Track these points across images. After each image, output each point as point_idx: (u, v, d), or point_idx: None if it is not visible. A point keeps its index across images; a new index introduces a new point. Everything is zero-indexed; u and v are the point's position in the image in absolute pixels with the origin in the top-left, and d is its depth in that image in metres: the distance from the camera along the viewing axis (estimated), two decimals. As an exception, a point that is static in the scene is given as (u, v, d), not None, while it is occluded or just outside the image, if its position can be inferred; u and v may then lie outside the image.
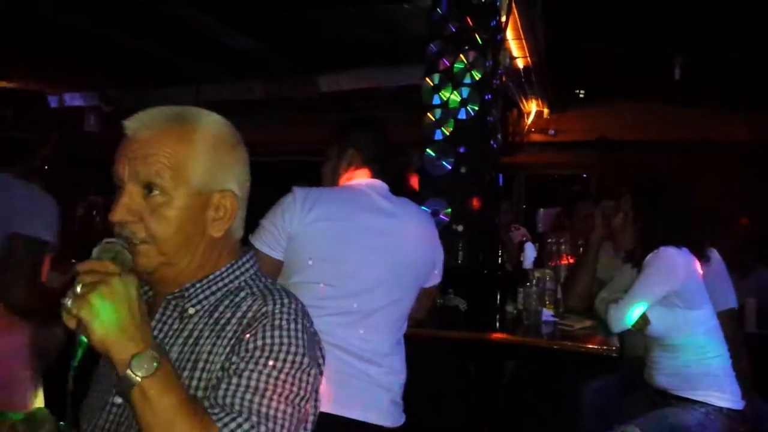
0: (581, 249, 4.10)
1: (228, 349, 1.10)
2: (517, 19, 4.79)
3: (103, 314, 0.96)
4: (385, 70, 6.27)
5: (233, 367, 1.07)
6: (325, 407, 1.74)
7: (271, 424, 1.03)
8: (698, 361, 2.62)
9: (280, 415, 1.04)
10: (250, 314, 1.13)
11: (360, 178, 2.11)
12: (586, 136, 7.69)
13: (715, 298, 2.80)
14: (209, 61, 6.57)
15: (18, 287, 2.10)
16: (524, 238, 4.22)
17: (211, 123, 1.19)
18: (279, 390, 1.05)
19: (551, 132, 7.94)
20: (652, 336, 2.72)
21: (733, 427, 2.58)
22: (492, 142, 3.94)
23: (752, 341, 3.64)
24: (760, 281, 5.18)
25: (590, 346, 2.89)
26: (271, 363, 1.07)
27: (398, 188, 2.20)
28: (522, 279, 3.27)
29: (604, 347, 2.83)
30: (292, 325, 1.12)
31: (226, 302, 1.17)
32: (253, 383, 1.05)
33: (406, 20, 5.03)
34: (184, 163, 1.13)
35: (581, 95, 7.47)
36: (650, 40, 5.46)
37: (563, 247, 3.86)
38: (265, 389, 1.05)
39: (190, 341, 1.14)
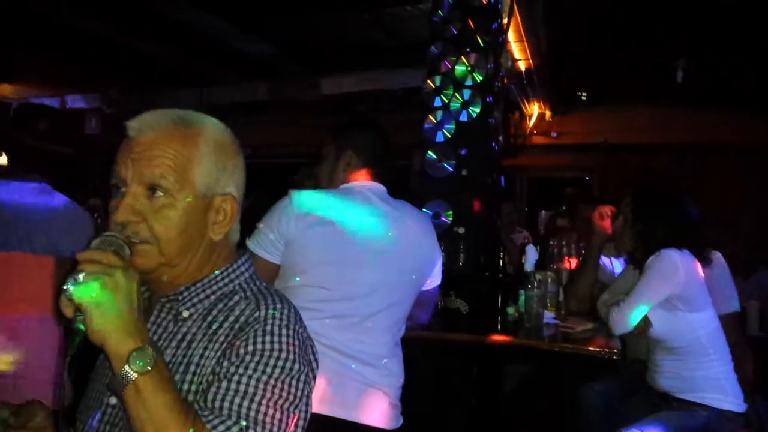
0: (582, 251, 4.10)
1: (219, 353, 1.10)
2: (519, 22, 4.79)
3: (104, 304, 0.96)
4: (387, 72, 6.28)
5: (224, 371, 1.07)
6: (323, 409, 1.74)
7: (259, 429, 1.03)
8: (700, 363, 2.61)
9: (268, 420, 1.04)
10: (242, 319, 1.13)
11: (357, 180, 2.10)
12: (588, 139, 7.69)
13: (717, 301, 2.79)
14: (213, 63, 6.58)
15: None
16: (526, 240, 4.22)
17: (215, 128, 1.20)
18: (268, 395, 1.05)
19: (553, 134, 7.93)
20: (654, 338, 2.72)
21: (736, 430, 2.57)
22: (493, 144, 3.93)
23: (755, 344, 3.63)
24: (763, 284, 5.17)
25: (592, 348, 2.88)
26: (261, 368, 1.07)
27: (398, 190, 2.18)
28: (523, 281, 3.26)
29: (606, 350, 2.82)
30: (284, 331, 1.12)
31: (220, 306, 1.17)
32: (242, 387, 1.05)
33: (408, 23, 5.04)
34: (188, 165, 1.14)
35: (583, 98, 7.46)
36: (653, 42, 5.46)
37: (565, 249, 3.86)
38: (255, 394, 1.05)
39: (183, 344, 1.15)
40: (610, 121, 7.56)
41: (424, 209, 3.56)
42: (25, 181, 2.46)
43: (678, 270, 2.59)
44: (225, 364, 1.08)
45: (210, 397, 1.05)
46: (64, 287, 0.97)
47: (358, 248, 1.93)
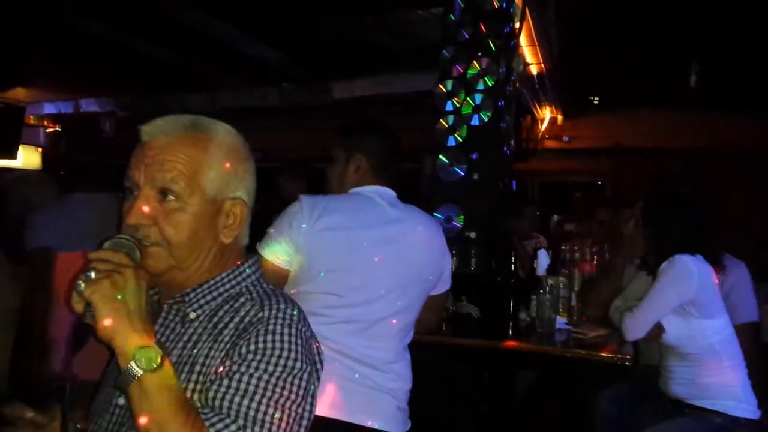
0: (595, 255, 4.09)
1: (224, 353, 1.11)
2: (531, 26, 4.79)
3: (114, 302, 0.99)
4: (398, 76, 6.29)
5: (226, 369, 1.08)
6: (331, 413, 1.74)
7: (258, 428, 1.03)
8: (713, 370, 2.59)
9: (268, 419, 1.04)
10: (247, 319, 1.14)
11: (367, 184, 2.08)
12: (600, 143, 7.67)
13: (735, 309, 2.78)
14: (225, 68, 6.62)
15: None
16: (537, 245, 4.20)
17: (225, 133, 1.22)
18: (269, 394, 1.06)
19: (565, 139, 7.92)
20: (667, 345, 2.70)
21: (749, 438, 2.55)
22: (505, 148, 3.93)
23: (768, 352, 3.59)
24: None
25: (604, 354, 2.87)
26: (262, 367, 1.07)
27: (408, 194, 2.17)
28: (535, 286, 3.25)
29: (618, 356, 2.81)
30: (286, 330, 1.13)
31: (226, 307, 1.19)
32: (243, 386, 1.05)
33: (419, 27, 5.04)
34: (199, 170, 1.16)
35: (595, 102, 7.44)
36: (665, 47, 5.44)
37: (577, 254, 3.84)
38: (255, 393, 1.05)
39: (189, 344, 1.16)
40: (622, 125, 7.53)
41: (435, 213, 3.56)
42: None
43: (692, 276, 2.57)
44: (227, 363, 1.09)
45: (211, 395, 1.06)
46: (76, 284, 0.99)
47: (366, 254, 1.92)
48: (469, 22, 3.78)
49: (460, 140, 3.68)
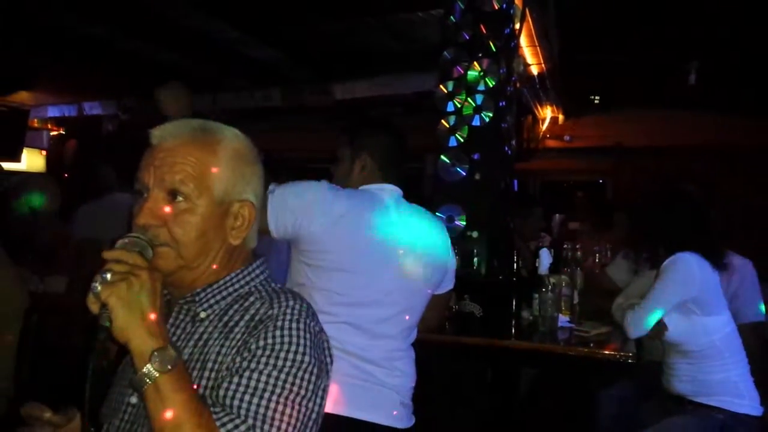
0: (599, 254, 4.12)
1: (234, 350, 1.13)
2: (531, 27, 4.80)
3: (130, 304, 1.01)
4: (399, 77, 6.29)
5: (236, 366, 1.10)
6: (336, 409, 1.76)
7: (267, 427, 1.05)
8: (715, 366, 2.60)
9: (278, 416, 1.06)
10: (257, 317, 1.16)
11: (373, 183, 2.10)
12: (601, 142, 7.67)
13: (740, 308, 2.79)
14: (225, 70, 6.63)
15: None
16: (540, 244, 4.21)
17: (233, 137, 1.25)
18: (278, 390, 1.07)
19: (566, 138, 7.91)
20: (670, 342, 2.71)
21: (751, 434, 2.56)
22: (506, 148, 3.94)
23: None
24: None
25: (607, 352, 2.88)
26: (271, 362, 1.09)
27: (410, 194, 2.18)
28: (538, 285, 3.26)
29: (621, 353, 2.82)
30: (294, 325, 1.15)
31: (236, 306, 1.21)
32: (252, 383, 1.07)
33: (420, 28, 5.05)
34: (207, 172, 1.18)
35: (596, 101, 7.44)
36: (665, 45, 5.44)
37: (579, 253, 3.86)
38: (264, 390, 1.07)
39: (200, 343, 1.18)
40: (622, 125, 7.53)
41: (437, 213, 3.57)
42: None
43: (694, 273, 2.59)
44: (238, 360, 1.11)
45: (222, 393, 1.07)
46: (93, 286, 1.01)
47: (373, 255, 1.93)
48: (469, 23, 3.78)
49: (462, 140, 3.69)
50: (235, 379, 1.08)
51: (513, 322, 3.27)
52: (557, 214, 6.18)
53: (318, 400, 1.14)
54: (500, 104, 3.72)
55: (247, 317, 1.17)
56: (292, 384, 1.09)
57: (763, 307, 3.10)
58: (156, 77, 6.73)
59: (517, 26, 4.13)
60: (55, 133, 9.06)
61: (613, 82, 6.64)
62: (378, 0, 4.77)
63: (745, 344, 2.70)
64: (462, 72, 3.74)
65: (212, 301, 1.22)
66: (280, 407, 1.07)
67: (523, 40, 4.99)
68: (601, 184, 8.36)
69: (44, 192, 3.37)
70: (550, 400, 3.41)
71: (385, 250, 1.95)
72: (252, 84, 7.06)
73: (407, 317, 2.01)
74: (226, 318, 1.19)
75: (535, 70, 5.84)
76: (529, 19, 4.53)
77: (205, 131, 1.22)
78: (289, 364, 1.10)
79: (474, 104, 3.68)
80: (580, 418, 3.09)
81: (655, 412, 2.71)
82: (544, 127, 7.95)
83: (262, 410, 1.05)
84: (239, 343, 1.13)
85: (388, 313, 1.95)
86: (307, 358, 1.12)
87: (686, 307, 2.62)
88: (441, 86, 3.80)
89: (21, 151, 8.03)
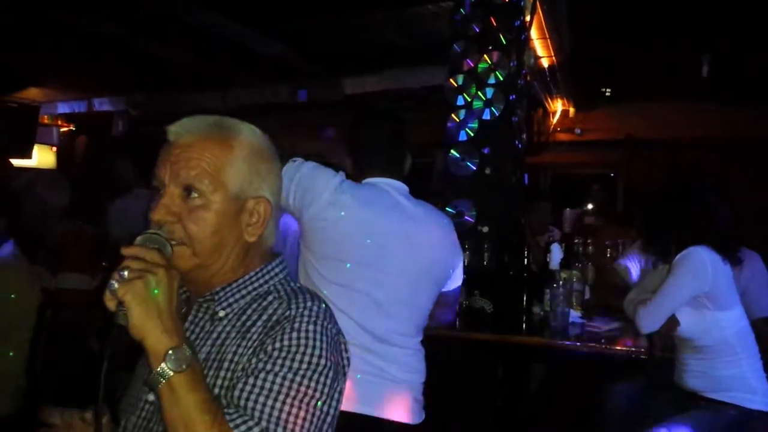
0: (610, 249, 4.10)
1: (251, 350, 1.12)
2: (542, 19, 4.77)
3: (146, 302, 1.00)
4: (409, 71, 6.28)
5: (251, 367, 1.09)
6: (348, 406, 1.75)
7: (280, 430, 1.04)
8: (728, 362, 2.58)
9: (291, 419, 1.05)
10: (274, 318, 1.16)
11: (372, 176, 2.07)
12: (612, 135, 7.62)
13: (752, 303, 2.76)
14: (234, 66, 6.63)
15: None
16: (551, 239, 4.20)
17: (250, 133, 1.24)
18: (293, 393, 1.07)
19: (577, 131, 7.87)
20: (682, 337, 2.69)
21: (765, 430, 2.54)
22: (517, 142, 3.92)
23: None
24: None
25: (618, 348, 2.86)
26: (288, 364, 1.09)
27: (419, 189, 2.16)
28: (548, 280, 3.25)
29: (633, 349, 2.80)
30: (311, 327, 1.14)
31: (254, 305, 1.20)
32: (267, 385, 1.07)
33: (430, 21, 5.03)
34: (222, 168, 1.18)
35: (608, 94, 7.39)
36: (677, 37, 5.40)
37: (590, 248, 3.84)
38: (279, 392, 1.06)
39: (218, 342, 1.18)
40: (634, 117, 7.48)
41: (447, 208, 3.56)
42: None
43: (706, 268, 2.57)
44: (254, 360, 1.10)
45: (236, 393, 1.07)
46: (110, 283, 1.01)
47: (380, 250, 1.93)
48: (479, 15, 3.76)
49: (472, 134, 3.67)
50: (251, 380, 1.07)
51: (524, 317, 3.26)
52: (568, 209, 6.16)
53: (333, 403, 1.14)
54: (510, 97, 3.70)
55: (264, 317, 1.17)
56: (307, 387, 1.08)
57: None
58: (165, 74, 6.79)
59: (528, 18, 4.11)
60: (65, 129, 9.11)
61: (624, 74, 6.59)
62: (387, -7, 4.76)
63: (760, 339, 2.68)
64: (472, 65, 3.73)
65: (231, 300, 1.21)
66: (295, 410, 1.06)
67: (534, 33, 4.96)
68: (612, 177, 8.32)
69: (55, 188, 3.38)
70: (561, 396, 3.40)
71: (392, 245, 1.94)
72: (261, 80, 7.06)
73: (416, 313, 2.00)
74: (244, 317, 1.19)
75: (545, 62, 5.81)
76: (540, 12, 4.51)
77: (222, 127, 1.21)
78: (305, 366, 1.09)
79: (484, 98, 3.67)
80: (591, 414, 3.07)
81: (667, 408, 2.69)
82: (555, 120, 7.91)
83: (276, 412, 1.05)
84: (256, 344, 1.13)
85: (398, 308, 1.94)
86: (323, 361, 1.12)
87: (699, 301, 2.60)
88: (451, 80, 3.78)
89: (32, 148, 8.08)
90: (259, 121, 1.29)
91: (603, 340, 2.96)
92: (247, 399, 1.06)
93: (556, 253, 3.39)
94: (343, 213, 1.89)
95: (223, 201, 1.17)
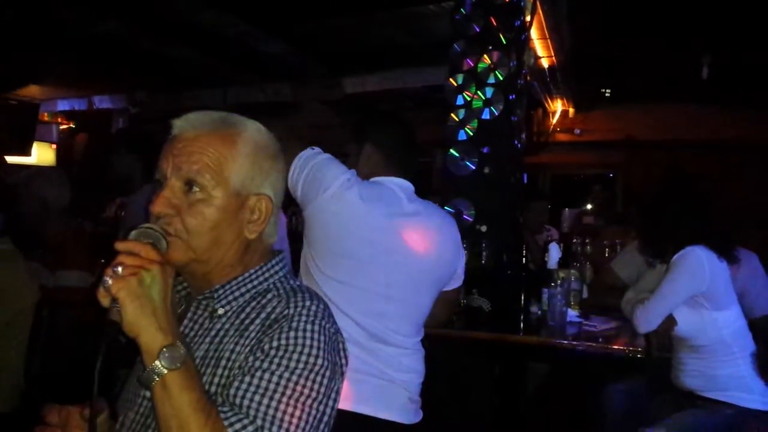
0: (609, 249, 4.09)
1: (249, 349, 1.12)
2: (542, 19, 4.77)
3: (140, 299, 1.00)
4: (409, 71, 6.28)
5: (248, 365, 1.09)
6: (345, 405, 1.75)
7: (276, 428, 1.04)
8: (724, 362, 2.59)
9: (287, 418, 1.05)
10: (273, 316, 1.15)
11: (381, 175, 2.07)
12: (612, 136, 7.63)
13: (752, 303, 2.76)
14: (236, 64, 6.63)
15: None
16: (549, 238, 4.20)
17: (254, 130, 1.24)
18: (289, 392, 1.06)
19: (577, 131, 7.88)
20: (679, 337, 2.70)
21: (762, 429, 2.54)
22: (516, 142, 3.92)
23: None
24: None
25: (616, 347, 2.87)
26: (284, 363, 1.08)
27: (420, 188, 2.16)
28: (546, 279, 3.25)
29: (630, 348, 2.81)
30: (309, 326, 1.13)
31: (254, 303, 1.20)
32: (263, 383, 1.06)
33: (430, 21, 5.03)
34: (225, 164, 1.18)
35: (607, 94, 7.40)
36: (677, 39, 5.40)
37: (588, 248, 3.85)
38: (275, 391, 1.06)
39: (216, 339, 1.17)
40: (633, 118, 7.50)
41: (446, 207, 3.56)
42: None
43: (703, 268, 2.57)
44: (251, 359, 1.10)
45: (232, 391, 1.06)
46: (104, 279, 1.00)
47: (381, 246, 1.92)
48: (479, 15, 3.76)
49: (471, 134, 3.68)
50: (246, 379, 1.07)
51: (522, 316, 3.26)
52: (567, 209, 6.16)
53: (330, 403, 1.13)
54: (510, 97, 3.71)
55: (263, 315, 1.16)
56: (303, 386, 1.08)
57: None
58: (166, 71, 6.79)
59: (528, 18, 4.11)
60: (65, 126, 9.10)
61: (624, 75, 6.60)
62: (388, -7, 4.76)
63: (763, 336, 2.69)
64: (472, 65, 3.73)
65: (230, 297, 1.21)
66: (290, 409, 1.06)
67: (534, 33, 4.96)
68: (612, 178, 8.33)
69: (55, 185, 3.38)
70: (558, 395, 3.40)
71: (395, 244, 1.94)
72: (262, 78, 7.06)
73: (416, 312, 2.00)
74: (243, 315, 1.18)
75: (545, 62, 5.81)
76: (540, 12, 4.51)
77: (226, 123, 1.21)
78: (301, 366, 1.09)
79: (484, 97, 3.67)
80: (588, 413, 3.08)
81: (665, 407, 2.69)
82: (555, 120, 7.92)
83: (271, 411, 1.04)
84: (253, 342, 1.12)
85: (397, 307, 1.94)
86: (320, 361, 1.11)
87: (696, 301, 2.61)
88: (451, 79, 3.78)
89: (31, 145, 8.07)
90: (259, 120, 1.29)
91: (600, 340, 2.97)
92: (243, 397, 1.05)
93: (555, 253, 3.39)
94: (346, 209, 1.88)
95: (224, 196, 1.17)
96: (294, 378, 1.07)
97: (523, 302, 3.29)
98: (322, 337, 1.14)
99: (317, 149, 1.94)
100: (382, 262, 1.91)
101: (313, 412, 1.08)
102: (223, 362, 1.13)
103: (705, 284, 2.57)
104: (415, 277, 1.97)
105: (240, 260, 1.22)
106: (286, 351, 1.09)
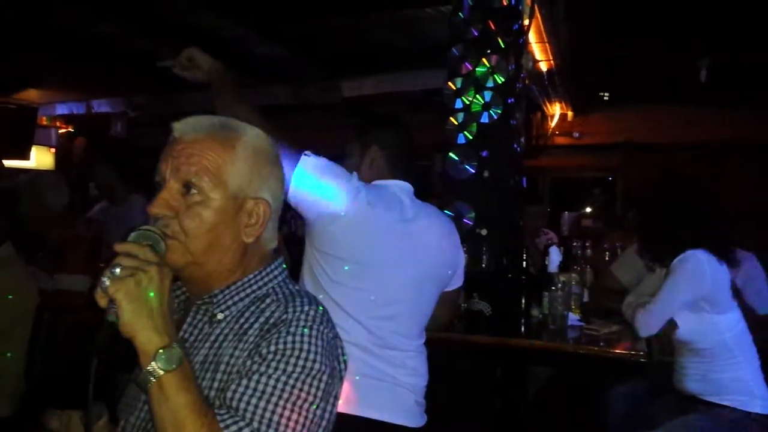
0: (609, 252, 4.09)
1: (247, 353, 1.12)
2: (540, 23, 4.77)
3: (138, 300, 1.00)
4: (407, 74, 6.28)
5: (245, 369, 1.09)
6: (351, 409, 1.75)
7: (271, 431, 1.04)
8: (726, 365, 2.59)
9: (284, 421, 1.05)
10: (271, 321, 1.15)
11: (384, 178, 2.08)
12: (610, 139, 7.64)
13: (754, 303, 2.76)
14: (234, 67, 6.62)
15: None
16: (549, 242, 4.20)
17: (253, 135, 1.25)
18: (285, 396, 1.07)
19: (575, 135, 7.89)
20: (680, 340, 2.70)
21: (764, 433, 2.55)
22: (515, 145, 3.92)
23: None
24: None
25: (617, 350, 2.87)
26: (281, 367, 1.08)
27: (419, 191, 2.16)
28: (547, 283, 3.25)
29: (632, 352, 2.80)
30: (306, 331, 1.13)
31: (253, 308, 1.20)
32: (260, 387, 1.06)
33: (428, 25, 5.04)
34: (223, 167, 1.18)
35: (606, 98, 7.41)
36: (675, 41, 5.41)
37: (588, 251, 3.84)
38: (272, 394, 1.06)
39: (216, 344, 1.18)
40: (632, 121, 7.50)
41: (446, 211, 3.56)
42: None
43: (705, 271, 2.57)
44: (248, 363, 1.10)
45: (229, 395, 1.07)
46: (101, 280, 1.01)
47: (383, 249, 1.93)
48: (477, 19, 3.76)
49: (470, 138, 3.67)
50: (244, 382, 1.07)
51: (522, 320, 3.26)
52: (566, 212, 6.16)
53: (328, 407, 1.14)
54: (509, 101, 3.70)
55: (261, 320, 1.16)
56: (300, 390, 1.08)
57: None
58: (164, 75, 6.78)
59: (526, 22, 4.11)
60: (63, 130, 9.10)
61: (623, 78, 6.61)
62: (386, -4, 4.76)
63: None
64: (470, 69, 3.72)
65: (229, 302, 1.21)
66: (287, 412, 1.06)
67: (532, 37, 4.96)
68: (611, 181, 8.33)
69: (54, 189, 3.38)
70: (559, 399, 3.39)
71: (396, 246, 1.94)
72: (259, 81, 7.05)
73: (420, 314, 2.01)
74: (242, 320, 1.18)
75: (544, 66, 5.82)
76: (538, 15, 4.51)
77: (226, 127, 1.22)
78: (299, 369, 1.09)
79: (482, 101, 3.66)
80: (589, 417, 3.07)
81: (667, 411, 2.69)
82: (553, 123, 7.93)
83: (268, 414, 1.05)
84: (252, 346, 1.13)
85: (404, 310, 1.94)
86: (317, 365, 1.11)
87: (697, 305, 2.61)
88: (449, 83, 3.78)
89: (30, 149, 8.07)
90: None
91: (601, 343, 2.97)
92: (240, 400, 1.05)
93: (555, 256, 3.39)
94: (352, 213, 1.87)
95: (221, 199, 1.18)
96: (291, 382, 1.08)
97: (523, 306, 3.28)
98: (319, 342, 1.14)
99: (311, 155, 1.89)
100: (390, 265, 1.92)
101: (310, 416, 1.09)
102: (222, 367, 1.13)
103: (706, 288, 2.57)
104: (419, 278, 1.98)
105: (238, 265, 1.22)
106: (283, 355, 1.09)
